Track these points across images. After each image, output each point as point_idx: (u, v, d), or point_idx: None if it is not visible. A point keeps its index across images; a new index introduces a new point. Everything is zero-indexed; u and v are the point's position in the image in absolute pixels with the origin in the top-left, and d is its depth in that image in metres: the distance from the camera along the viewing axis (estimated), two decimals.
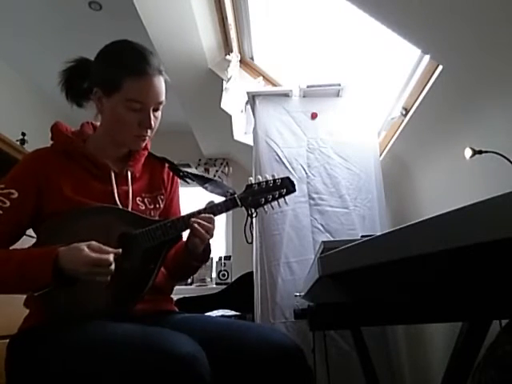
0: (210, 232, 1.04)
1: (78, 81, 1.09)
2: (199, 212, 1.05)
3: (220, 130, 3.27)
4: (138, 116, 1.02)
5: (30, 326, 0.97)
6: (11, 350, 0.95)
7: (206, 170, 4.14)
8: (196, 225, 1.02)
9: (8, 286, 0.95)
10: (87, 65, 1.08)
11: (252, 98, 2.14)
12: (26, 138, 2.77)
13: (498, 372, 0.67)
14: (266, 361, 0.89)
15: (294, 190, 1.12)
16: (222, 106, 2.57)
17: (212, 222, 1.05)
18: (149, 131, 1.06)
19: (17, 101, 3.23)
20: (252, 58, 2.92)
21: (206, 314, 2.84)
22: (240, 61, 2.79)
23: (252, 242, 1.23)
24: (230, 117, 2.83)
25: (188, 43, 2.60)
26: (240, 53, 2.81)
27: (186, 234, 1.09)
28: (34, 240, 1.01)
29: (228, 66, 2.61)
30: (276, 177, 1.12)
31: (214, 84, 2.77)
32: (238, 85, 2.63)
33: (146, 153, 1.16)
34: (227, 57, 2.70)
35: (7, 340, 0.97)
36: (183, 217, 1.05)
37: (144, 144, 1.10)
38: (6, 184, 0.99)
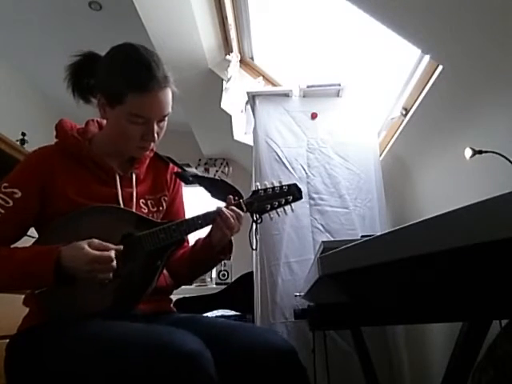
0: (232, 229, 1.03)
1: (85, 77, 1.05)
2: (207, 214, 1.04)
3: (220, 130, 3.27)
4: (141, 129, 0.99)
5: (29, 326, 0.96)
6: (11, 351, 0.94)
7: (206, 170, 4.14)
8: (219, 219, 1.02)
9: (10, 284, 0.95)
10: (95, 60, 1.04)
11: (252, 98, 2.14)
12: (25, 138, 2.77)
13: (498, 372, 0.67)
14: (258, 361, 0.89)
15: (301, 197, 1.10)
16: (222, 106, 2.57)
17: (239, 218, 1.04)
18: (152, 143, 1.04)
19: (17, 101, 3.23)
20: (252, 58, 2.92)
21: (206, 314, 2.84)
22: (240, 61, 2.79)
23: (256, 249, 1.22)
24: (230, 117, 2.82)
25: (188, 43, 2.60)
26: (240, 53, 2.81)
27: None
28: (33, 240, 1.01)
29: (228, 66, 2.61)
30: (283, 183, 1.09)
31: (214, 84, 2.78)
32: (238, 85, 2.63)
33: (151, 154, 1.14)
34: (227, 57, 2.70)
35: (7, 340, 0.96)
36: (187, 220, 1.03)
37: (147, 153, 1.09)
38: (10, 183, 0.98)
